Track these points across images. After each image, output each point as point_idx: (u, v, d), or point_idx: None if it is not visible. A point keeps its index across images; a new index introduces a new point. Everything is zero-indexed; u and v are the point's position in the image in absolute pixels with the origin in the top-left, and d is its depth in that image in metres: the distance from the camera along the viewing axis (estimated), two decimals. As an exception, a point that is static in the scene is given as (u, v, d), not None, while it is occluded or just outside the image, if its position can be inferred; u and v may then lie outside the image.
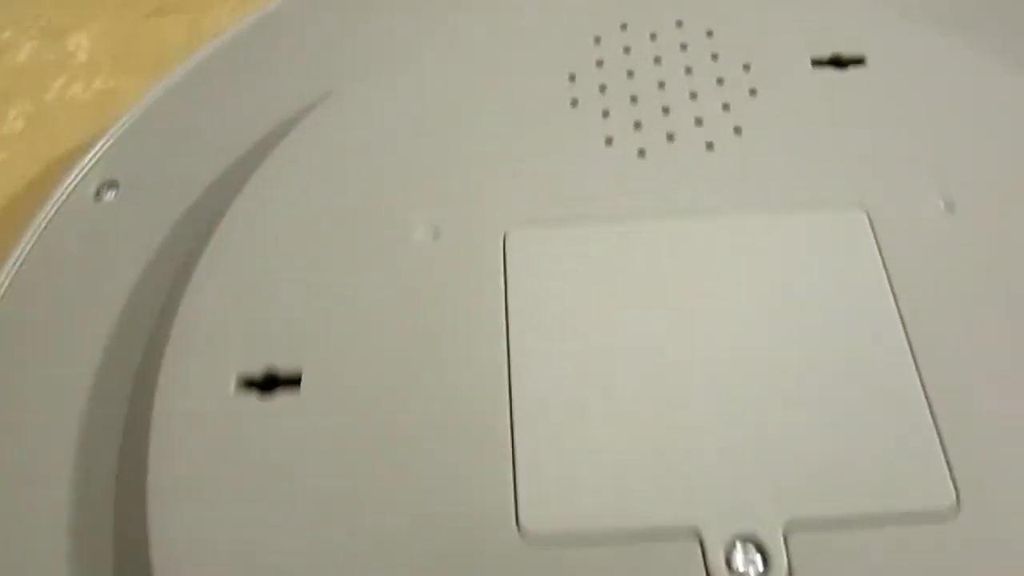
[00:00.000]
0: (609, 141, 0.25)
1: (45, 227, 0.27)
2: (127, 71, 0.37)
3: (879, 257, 0.23)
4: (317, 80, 0.28)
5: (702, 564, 0.19)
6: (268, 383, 0.22)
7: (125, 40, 0.38)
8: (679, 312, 0.22)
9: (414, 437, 0.21)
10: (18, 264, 0.26)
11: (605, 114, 0.26)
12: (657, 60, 0.27)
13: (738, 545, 0.19)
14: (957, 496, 0.19)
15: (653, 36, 0.28)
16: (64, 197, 0.27)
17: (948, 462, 0.19)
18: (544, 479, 0.20)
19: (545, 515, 0.19)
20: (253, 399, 0.21)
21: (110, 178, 0.28)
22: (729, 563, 0.19)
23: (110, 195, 0.28)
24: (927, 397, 0.20)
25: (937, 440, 0.20)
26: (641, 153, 0.25)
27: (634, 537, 0.19)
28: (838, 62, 0.27)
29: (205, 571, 0.19)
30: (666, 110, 0.26)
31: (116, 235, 0.26)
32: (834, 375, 0.21)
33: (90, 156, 0.28)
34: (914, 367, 0.21)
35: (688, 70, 0.27)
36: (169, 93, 0.30)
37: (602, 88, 0.26)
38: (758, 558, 0.19)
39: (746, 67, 0.27)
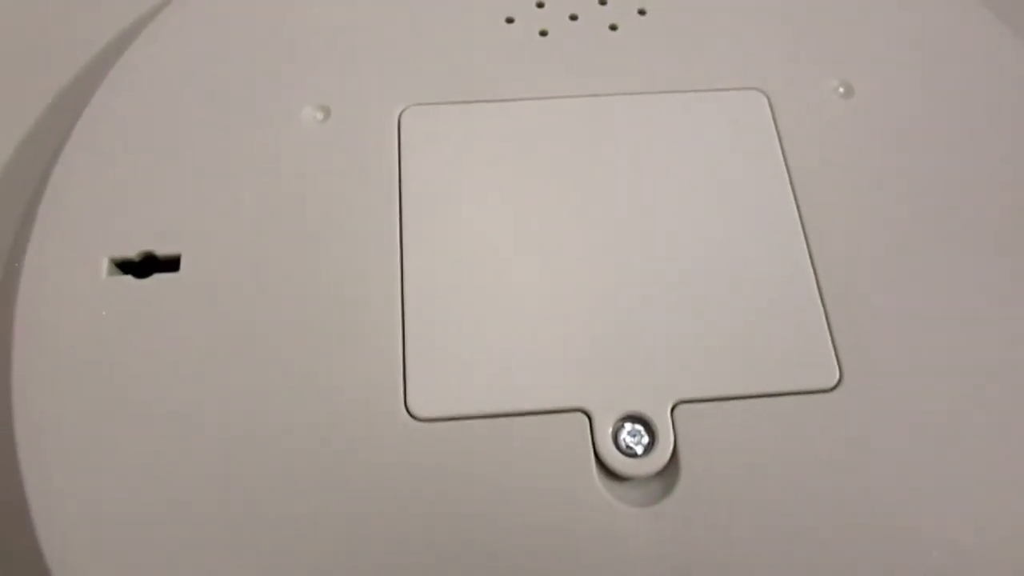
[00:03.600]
0: (510, 20, 0.24)
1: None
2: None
3: (777, 138, 0.22)
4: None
5: (590, 443, 0.19)
6: (145, 267, 0.21)
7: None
8: (576, 193, 0.21)
9: (303, 320, 0.20)
10: None
11: (507, -9, 0.25)
12: (563, -65, 0.26)
13: (626, 424, 0.19)
14: (841, 376, 0.19)
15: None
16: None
17: (833, 341, 0.20)
18: (434, 365, 0.19)
19: (433, 401, 0.19)
20: (128, 280, 0.20)
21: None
22: (616, 440, 0.19)
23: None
24: (817, 278, 0.20)
25: (824, 321, 0.20)
26: (543, 33, 0.24)
27: (522, 416, 0.19)
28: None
29: (78, 461, 0.18)
30: (570, -11, 0.25)
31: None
32: (728, 257, 0.21)
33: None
34: (806, 248, 0.21)
35: (594, -53, 0.26)
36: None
37: (505, -36, 0.25)
38: (645, 436, 0.19)
39: (654, -54, 0.26)
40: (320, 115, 0.22)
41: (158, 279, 0.20)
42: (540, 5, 0.25)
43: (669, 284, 0.20)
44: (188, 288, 0.20)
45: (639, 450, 0.19)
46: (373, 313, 0.20)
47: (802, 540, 0.18)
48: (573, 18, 0.24)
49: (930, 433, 0.19)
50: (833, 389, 0.19)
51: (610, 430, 0.19)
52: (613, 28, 0.24)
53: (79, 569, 0.17)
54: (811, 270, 0.20)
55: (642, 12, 0.25)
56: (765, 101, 0.23)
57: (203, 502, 0.18)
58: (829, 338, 0.20)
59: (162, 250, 0.21)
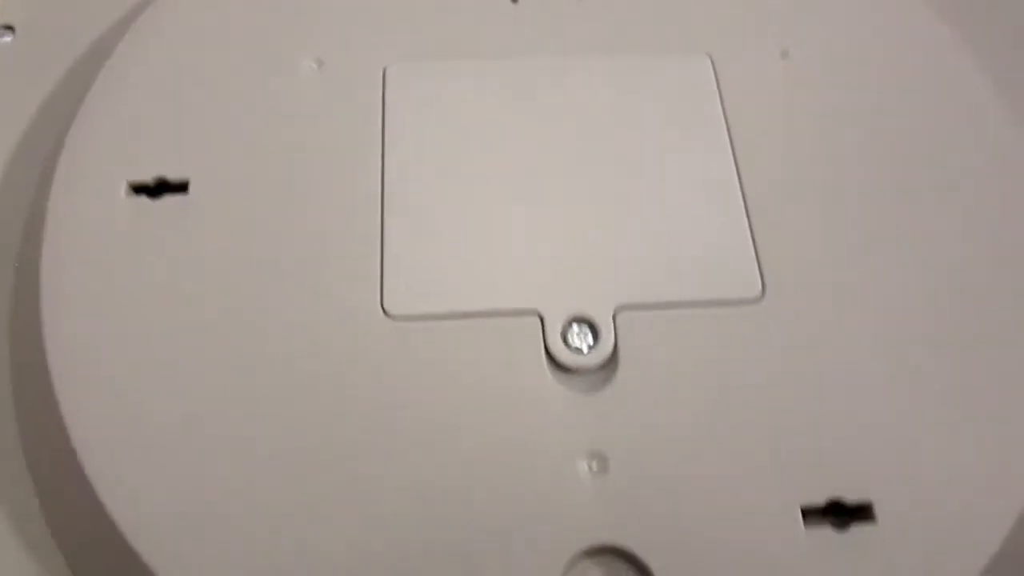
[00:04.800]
0: (486, -11, 0.27)
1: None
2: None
3: (718, 95, 0.25)
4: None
5: (542, 340, 0.21)
6: (158, 189, 0.24)
7: None
8: (537, 138, 0.24)
9: (295, 233, 0.23)
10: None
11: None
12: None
13: (573, 325, 0.22)
14: (763, 287, 0.22)
15: None
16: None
17: (758, 259, 0.22)
18: (407, 271, 0.22)
19: (406, 301, 0.22)
20: (143, 200, 0.23)
21: (5, 23, 0.29)
22: (565, 339, 0.21)
23: (6, 39, 0.29)
24: (745, 203, 0.23)
25: (750, 239, 0.23)
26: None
27: (484, 317, 0.22)
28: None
29: (103, 372, 0.21)
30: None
31: (12, 73, 0.28)
32: (668, 186, 0.24)
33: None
34: (737, 177, 0.24)
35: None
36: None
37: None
38: (589, 335, 0.21)
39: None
40: (316, 66, 0.26)
41: (169, 199, 0.23)
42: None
43: (615, 208, 0.23)
44: (194, 207, 0.23)
45: (584, 348, 0.21)
46: (355, 225, 0.23)
47: (723, 432, 0.20)
48: (544, -15, 0.28)
49: (846, 349, 0.22)
50: (757, 301, 0.22)
51: (559, 329, 0.21)
52: (577, -5, 0.27)
53: (120, 479, 0.20)
54: (740, 196, 0.23)
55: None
56: (709, 64, 0.26)
57: (209, 402, 0.21)
58: (754, 254, 0.22)
59: (173, 175, 0.24)
